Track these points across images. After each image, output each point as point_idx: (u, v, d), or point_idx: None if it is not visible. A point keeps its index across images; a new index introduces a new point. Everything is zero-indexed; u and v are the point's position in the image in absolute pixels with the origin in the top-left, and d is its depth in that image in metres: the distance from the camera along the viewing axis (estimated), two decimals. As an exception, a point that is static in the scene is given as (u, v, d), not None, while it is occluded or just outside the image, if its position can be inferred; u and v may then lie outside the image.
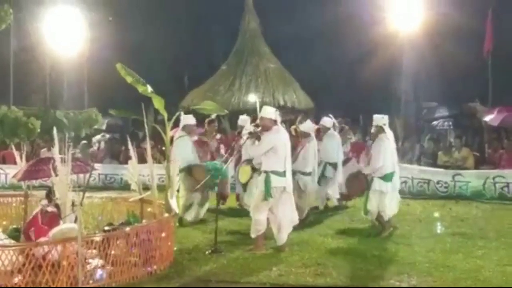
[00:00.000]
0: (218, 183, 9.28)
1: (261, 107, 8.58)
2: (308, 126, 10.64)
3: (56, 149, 7.52)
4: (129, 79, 7.67)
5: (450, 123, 23.58)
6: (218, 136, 11.69)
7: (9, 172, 14.57)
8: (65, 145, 7.66)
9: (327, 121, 11.59)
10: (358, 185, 9.59)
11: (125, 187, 11.30)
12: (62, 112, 8.64)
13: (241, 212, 10.30)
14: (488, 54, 19.53)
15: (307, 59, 26.42)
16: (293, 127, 11.36)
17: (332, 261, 7.44)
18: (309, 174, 10.19)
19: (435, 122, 24.46)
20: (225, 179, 11.07)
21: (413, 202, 12.74)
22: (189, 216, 9.99)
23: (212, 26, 28.81)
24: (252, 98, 19.33)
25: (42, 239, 6.61)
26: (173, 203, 7.75)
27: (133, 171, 8.10)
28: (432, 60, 22.37)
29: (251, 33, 22.70)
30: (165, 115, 7.86)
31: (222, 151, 11.28)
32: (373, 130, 9.53)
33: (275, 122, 8.03)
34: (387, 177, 9.20)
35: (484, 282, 6.64)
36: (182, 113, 10.27)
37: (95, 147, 19.05)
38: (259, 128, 8.06)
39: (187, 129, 10.27)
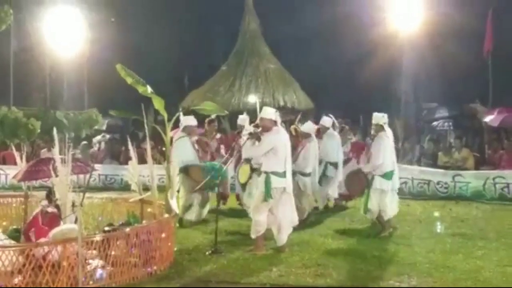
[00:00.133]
0: (218, 184, 9.30)
1: (261, 108, 8.58)
2: (308, 126, 10.65)
3: (56, 149, 7.52)
4: (129, 80, 7.67)
5: (450, 123, 23.59)
6: (218, 136, 11.68)
7: (9, 173, 14.58)
8: (65, 145, 7.67)
9: (327, 120, 11.60)
10: (358, 183, 9.58)
11: (125, 187, 11.31)
12: (62, 112, 8.61)
13: (241, 213, 10.29)
14: (488, 54, 19.53)
15: (307, 59, 26.42)
16: (292, 127, 11.37)
17: (332, 262, 7.44)
18: (308, 175, 10.20)
19: (435, 123, 24.47)
20: (225, 180, 11.11)
21: (413, 202, 12.76)
22: (190, 216, 9.98)
23: (212, 26, 28.81)
24: (252, 98, 19.32)
25: (42, 240, 6.61)
26: (173, 203, 7.75)
27: (133, 172, 8.10)
28: (432, 60, 22.37)
29: (251, 34, 22.70)
30: (165, 115, 7.86)
31: (222, 151, 11.27)
32: (373, 128, 9.53)
33: (275, 122, 8.04)
34: (387, 175, 9.20)
35: (484, 282, 6.65)
36: (181, 113, 10.27)
37: (95, 148, 19.05)
38: (259, 129, 8.06)
39: (188, 130, 10.27)
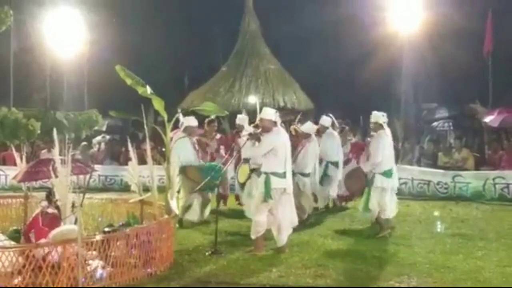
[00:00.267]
0: (218, 184, 9.31)
1: (261, 109, 8.58)
2: (308, 126, 10.66)
3: (56, 150, 7.53)
4: (128, 81, 7.67)
5: (450, 124, 23.55)
6: (218, 136, 11.69)
7: (9, 174, 14.59)
8: (65, 146, 7.66)
9: (326, 120, 11.62)
10: (357, 180, 9.58)
11: (125, 188, 11.31)
12: (62, 113, 8.59)
13: (241, 214, 10.29)
14: (488, 54, 19.53)
15: (307, 60, 26.40)
16: (292, 127, 11.38)
17: (332, 263, 7.44)
18: (308, 175, 10.21)
19: (435, 123, 24.42)
20: (224, 181, 11.12)
21: (413, 203, 12.77)
22: (191, 216, 9.98)
23: (212, 27, 28.80)
24: (252, 99, 19.31)
25: (42, 241, 6.61)
26: (173, 204, 7.75)
27: (133, 173, 8.11)
28: (432, 60, 22.38)
29: (251, 34, 22.68)
30: (165, 116, 7.86)
31: (222, 152, 11.27)
32: (371, 126, 9.53)
33: (275, 123, 8.04)
34: (387, 173, 9.18)
35: (484, 283, 6.65)
36: (180, 114, 10.27)
37: (95, 149, 19.03)
38: (259, 130, 8.06)
39: (189, 130, 10.28)
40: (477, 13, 20.42)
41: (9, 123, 7.54)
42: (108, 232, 6.97)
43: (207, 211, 10.12)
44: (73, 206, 7.28)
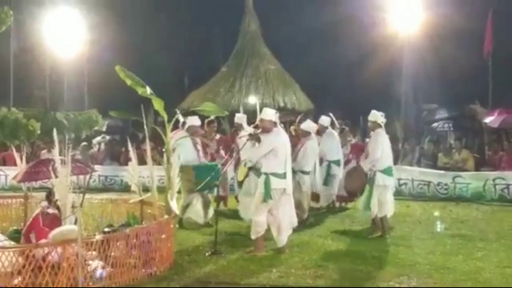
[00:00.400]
0: (218, 185, 9.31)
1: (261, 109, 8.58)
2: (308, 125, 10.69)
3: (56, 150, 7.53)
4: (128, 81, 7.66)
5: (450, 124, 23.54)
6: (218, 137, 11.69)
7: (9, 174, 14.59)
8: (65, 146, 7.66)
9: (325, 120, 11.67)
10: (358, 179, 9.56)
11: (125, 188, 11.33)
12: (62, 113, 8.59)
13: (241, 214, 10.28)
14: (488, 55, 19.55)
15: (307, 60, 26.40)
16: (292, 127, 11.39)
17: (332, 263, 7.44)
18: (308, 173, 10.23)
19: (435, 124, 24.41)
20: (225, 181, 11.13)
21: (413, 203, 12.77)
22: (194, 217, 9.95)
23: (212, 27, 28.82)
24: (252, 99, 19.31)
25: (43, 241, 6.61)
26: (173, 204, 7.74)
27: (133, 173, 8.11)
28: (432, 61, 22.39)
29: (251, 35, 22.68)
30: (165, 116, 7.86)
31: (222, 152, 11.28)
32: (369, 125, 9.55)
33: (275, 124, 8.04)
34: (387, 171, 9.17)
35: (484, 283, 6.65)
36: (180, 115, 10.27)
37: (95, 149, 19.04)
38: (259, 130, 8.06)
39: (192, 129, 10.27)
40: (477, 14, 20.44)
41: (9, 123, 7.54)
42: (108, 232, 6.98)
43: (210, 213, 10.06)
44: (73, 206, 7.28)
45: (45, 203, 7.33)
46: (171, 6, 27.46)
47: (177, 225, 9.09)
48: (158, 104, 7.72)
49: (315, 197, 11.25)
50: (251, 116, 11.24)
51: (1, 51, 18.13)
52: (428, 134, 20.33)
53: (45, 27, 20.03)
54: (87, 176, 8.45)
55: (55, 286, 5.92)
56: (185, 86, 26.76)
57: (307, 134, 10.48)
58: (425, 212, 11.78)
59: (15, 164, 9.13)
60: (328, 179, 11.29)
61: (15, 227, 8.23)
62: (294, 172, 9.58)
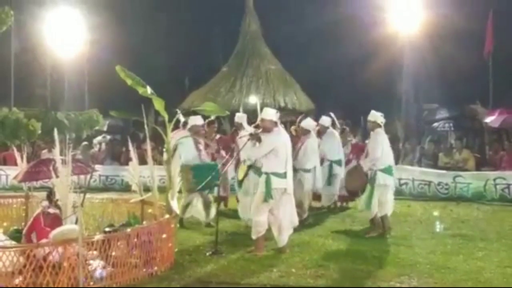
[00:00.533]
0: (218, 185, 9.31)
1: (261, 109, 8.58)
2: (308, 123, 10.70)
3: (57, 150, 7.53)
4: (129, 81, 7.67)
5: (451, 124, 23.53)
6: (217, 136, 11.70)
7: (10, 174, 14.60)
8: (66, 146, 7.67)
9: (326, 120, 11.69)
10: (358, 178, 9.56)
11: (126, 188, 11.33)
12: (63, 113, 8.62)
13: (242, 214, 10.28)
14: (489, 55, 19.55)
15: (308, 60, 26.40)
16: (293, 127, 11.39)
17: (333, 263, 7.44)
18: (309, 171, 10.24)
19: (435, 124, 24.41)
20: (225, 181, 11.12)
21: (414, 203, 12.77)
22: (196, 214, 9.97)
23: (212, 27, 28.81)
24: (253, 99, 19.32)
25: (44, 241, 6.62)
26: (174, 204, 7.75)
27: (133, 173, 8.12)
28: (433, 61, 22.38)
29: (251, 35, 22.69)
30: (166, 116, 7.86)
31: (223, 152, 11.28)
32: (369, 125, 9.55)
33: (275, 123, 8.04)
34: (388, 170, 9.17)
35: (485, 283, 6.64)
36: (180, 114, 10.27)
37: (96, 149, 19.04)
38: (260, 130, 8.06)
39: (194, 129, 10.28)
40: (478, 14, 20.44)
41: (10, 123, 7.56)
42: (109, 232, 6.98)
43: (212, 213, 10.04)
44: (73, 206, 7.29)
45: (46, 203, 7.34)
46: (171, 6, 27.47)
47: (177, 225, 9.10)
48: (158, 104, 7.72)
49: (317, 196, 11.28)
50: (252, 116, 11.25)
51: (2, 51, 18.12)
52: (429, 134, 20.33)
53: (46, 27, 20.03)
54: (88, 176, 8.44)
55: (56, 286, 5.93)
56: (185, 86, 26.75)
57: (307, 132, 10.51)
58: (425, 212, 11.78)
59: (15, 164, 9.14)
60: (330, 179, 11.32)
61: (16, 227, 8.24)
62: (295, 170, 9.61)
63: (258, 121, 8.44)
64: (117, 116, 11.34)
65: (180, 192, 8.37)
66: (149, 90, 7.70)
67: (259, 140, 7.96)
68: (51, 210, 7.23)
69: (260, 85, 21.05)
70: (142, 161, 8.53)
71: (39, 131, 7.76)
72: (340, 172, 11.44)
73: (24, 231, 7.44)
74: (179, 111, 10.38)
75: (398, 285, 6.60)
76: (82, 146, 17.12)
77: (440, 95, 24.51)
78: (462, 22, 20.52)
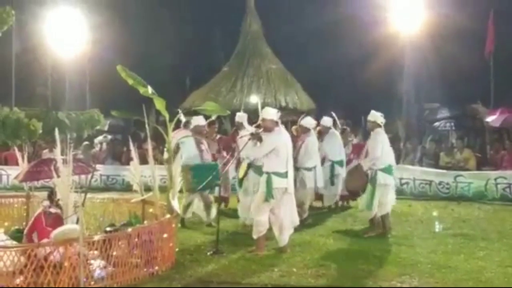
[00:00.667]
0: (219, 185, 9.32)
1: (262, 108, 8.58)
2: (308, 121, 10.71)
3: (58, 150, 7.53)
4: (130, 81, 7.67)
5: (452, 124, 23.55)
6: (218, 136, 11.70)
7: (11, 173, 14.62)
8: (67, 146, 7.66)
9: (327, 120, 11.69)
10: (358, 177, 9.56)
11: (127, 188, 11.35)
12: (64, 113, 8.60)
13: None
14: (490, 55, 19.55)
15: (309, 60, 26.41)
16: (294, 127, 11.38)
17: (334, 262, 7.44)
18: (311, 169, 10.24)
19: (437, 123, 24.43)
20: (226, 180, 11.12)
21: (415, 203, 12.76)
22: (191, 214, 9.97)
23: (213, 27, 28.84)
24: (254, 99, 19.32)
25: (45, 241, 6.62)
26: (175, 204, 7.75)
27: (134, 172, 8.13)
28: (434, 61, 22.39)
29: (252, 35, 22.69)
30: (167, 116, 7.86)
31: (224, 153, 11.28)
32: (368, 125, 9.56)
33: (276, 123, 8.04)
34: (388, 170, 9.16)
35: (486, 283, 6.64)
36: (182, 114, 10.28)
37: (97, 148, 19.06)
38: (261, 129, 8.07)
39: (197, 129, 10.28)
40: (479, 14, 20.45)
41: (11, 123, 7.55)
42: (110, 231, 6.98)
43: (213, 213, 10.05)
44: (75, 206, 7.29)
45: (47, 203, 7.34)
46: (172, 6, 27.47)
47: (179, 225, 9.10)
48: (159, 104, 7.72)
49: (318, 196, 11.28)
50: (253, 115, 11.25)
51: (3, 51, 18.16)
52: (430, 134, 20.33)
53: (47, 26, 20.06)
54: (89, 176, 8.47)
55: (57, 286, 5.93)
56: (186, 86, 26.78)
57: (306, 130, 10.52)
58: (426, 212, 11.78)
59: (17, 164, 9.14)
60: (333, 179, 11.34)
61: (17, 227, 8.25)
62: (297, 169, 9.62)
63: (259, 121, 8.44)
64: (118, 116, 11.33)
65: (181, 191, 8.36)
66: (150, 89, 7.70)
67: (260, 139, 7.96)
68: (52, 210, 7.23)
69: (261, 84, 21.05)
70: (143, 160, 8.53)
71: (40, 131, 7.74)
72: (342, 172, 11.46)
73: (25, 231, 7.44)
74: (180, 111, 10.38)
75: (399, 284, 6.60)
76: (83, 146, 17.13)
77: (441, 95, 24.53)
78: (463, 21, 20.52)
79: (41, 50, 21.28)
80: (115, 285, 6.36)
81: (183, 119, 10.47)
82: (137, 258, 6.66)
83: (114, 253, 6.41)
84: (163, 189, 7.99)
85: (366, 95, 23.77)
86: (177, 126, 9.68)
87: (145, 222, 7.77)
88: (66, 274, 5.97)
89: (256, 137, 8.01)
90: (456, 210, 11.90)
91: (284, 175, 7.88)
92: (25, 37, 21.03)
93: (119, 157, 17.27)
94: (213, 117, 11.08)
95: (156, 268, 6.90)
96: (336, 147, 11.55)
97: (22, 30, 19.58)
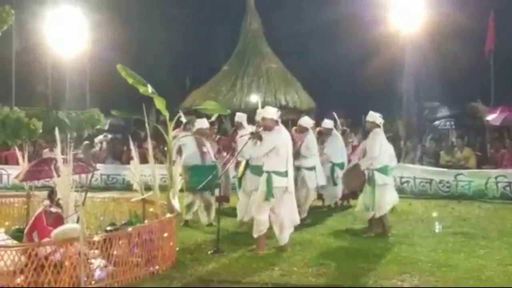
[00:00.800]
0: (219, 185, 9.33)
1: (263, 108, 8.58)
2: (306, 121, 10.72)
3: (58, 149, 7.53)
4: (130, 80, 7.67)
5: (452, 122, 23.54)
6: (217, 137, 11.70)
7: (12, 173, 14.62)
8: (67, 145, 7.66)
9: (328, 123, 11.73)
10: (356, 177, 9.56)
11: (127, 187, 11.35)
12: (64, 112, 8.60)
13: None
14: (490, 53, 19.56)
15: (309, 59, 26.42)
16: (294, 127, 11.39)
17: (334, 261, 7.44)
18: (311, 168, 10.25)
19: (437, 122, 24.43)
20: (227, 180, 11.13)
21: (415, 201, 12.75)
22: (191, 215, 9.98)
23: (214, 26, 28.84)
24: (254, 98, 19.33)
25: (46, 240, 6.62)
26: (175, 203, 7.75)
27: (135, 172, 8.12)
28: (434, 59, 22.38)
29: (253, 34, 22.70)
30: (167, 115, 7.86)
31: (224, 153, 11.29)
32: (367, 125, 9.58)
33: (276, 122, 8.04)
34: (384, 170, 9.16)
35: (486, 281, 6.64)
36: (182, 114, 10.28)
37: (97, 148, 19.05)
38: (261, 129, 8.07)
39: (200, 132, 10.28)
40: (479, 13, 20.45)
41: (11, 123, 7.54)
42: (110, 231, 6.98)
43: (213, 213, 10.06)
44: (75, 205, 7.29)
45: (47, 202, 7.34)
46: (172, 5, 27.47)
47: (181, 223, 9.11)
48: (159, 103, 7.72)
49: (318, 195, 11.30)
50: (253, 114, 11.25)
51: (3, 50, 18.16)
52: (430, 132, 20.33)
53: (47, 26, 20.05)
54: (89, 175, 8.47)
55: (57, 285, 5.93)
56: (186, 85, 26.78)
57: (305, 130, 10.53)
58: (427, 210, 11.78)
59: (17, 163, 9.14)
60: (334, 180, 11.36)
61: (17, 226, 8.25)
62: (298, 169, 9.62)
63: (259, 120, 8.45)
64: (118, 115, 11.32)
65: (181, 191, 8.37)
66: (150, 89, 7.70)
67: (260, 138, 7.97)
68: (53, 209, 7.24)
69: (261, 84, 21.07)
70: (143, 160, 8.53)
71: (40, 130, 7.74)
72: (341, 175, 11.46)
73: (25, 230, 7.45)
74: (181, 112, 10.39)
75: (399, 283, 6.60)
76: (84, 145, 17.12)
77: (441, 93, 24.52)
78: (464, 20, 20.52)
79: (41, 49, 21.28)
80: (115, 284, 6.36)
81: (184, 120, 10.48)
82: (138, 257, 6.66)
83: (115, 252, 6.41)
84: (164, 188, 7.98)
85: (366, 94, 23.80)
86: (177, 125, 9.67)
87: (146, 221, 7.77)
88: (66, 274, 5.97)
89: (256, 136, 8.01)
90: (456, 209, 11.90)
91: (284, 174, 7.89)
92: (25, 36, 21.04)
93: (120, 156, 17.27)
94: (213, 118, 11.09)
95: (157, 267, 6.90)
96: (338, 149, 11.60)
97: (22, 29, 19.59)
